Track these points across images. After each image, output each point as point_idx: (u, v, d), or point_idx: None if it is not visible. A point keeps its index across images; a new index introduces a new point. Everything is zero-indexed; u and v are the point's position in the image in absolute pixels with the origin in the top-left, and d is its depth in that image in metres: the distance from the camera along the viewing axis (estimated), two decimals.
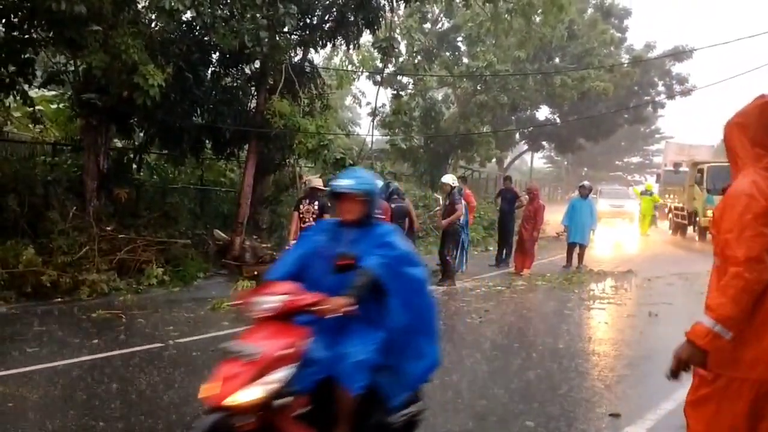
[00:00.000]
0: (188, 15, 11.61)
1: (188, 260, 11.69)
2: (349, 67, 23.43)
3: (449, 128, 26.85)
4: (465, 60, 28.15)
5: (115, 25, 10.00)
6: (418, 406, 3.96)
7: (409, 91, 26.29)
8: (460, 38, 28.76)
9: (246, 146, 13.76)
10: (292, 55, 13.54)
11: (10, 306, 8.89)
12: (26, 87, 11.55)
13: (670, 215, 28.54)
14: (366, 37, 16.19)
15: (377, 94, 29.41)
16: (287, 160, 14.91)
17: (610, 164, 70.48)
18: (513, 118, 34.71)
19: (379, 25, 13.99)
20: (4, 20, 10.33)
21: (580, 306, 10.45)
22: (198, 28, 11.89)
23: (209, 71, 13.44)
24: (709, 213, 17.94)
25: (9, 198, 10.48)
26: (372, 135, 19.48)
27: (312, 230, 4.21)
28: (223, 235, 12.85)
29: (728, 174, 3.14)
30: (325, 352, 3.51)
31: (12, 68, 10.76)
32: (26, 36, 10.62)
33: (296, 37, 13.36)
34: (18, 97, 11.31)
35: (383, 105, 25.00)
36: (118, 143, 14.09)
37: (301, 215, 9.77)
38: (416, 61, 22.18)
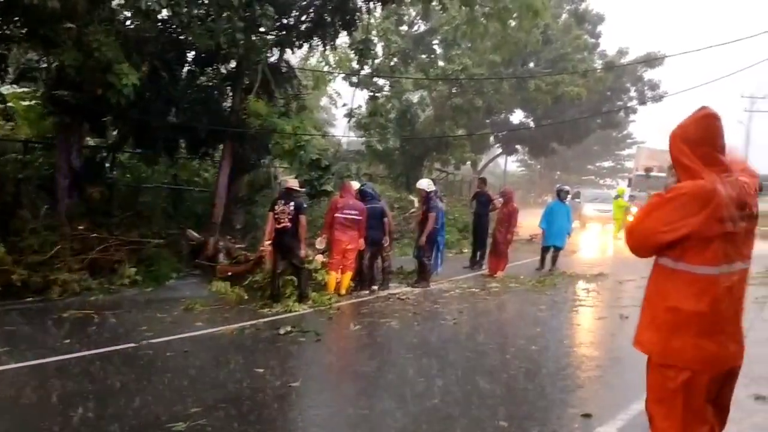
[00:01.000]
0: (164, 14, 11.51)
1: (161, 260, 11.59)
2: (326, 68, 23.42)
3: (425, 131, 26.95)
4: (441, 63, 28.23)
5: (90, 22, 9.90)
6: None
7: (385, 93, 26.33)
8: (436, 41, 28.86)
9: (221, 146, 13.69)
10: (269, 55, 13.50)
11: None
12: None
13: None
14: (342, 39, 16.22)
15: (353, 96, 29.40)
16: (262, 161, 14.86)
17: (582, 168, 71.18)
18: (488, 121, 34.91)
19: (356, 26, 14.01)
20: None
21: (552, 308, 10.55)
22: (174, 27, 11.81)
23: (185, 70, 13.35)
24: None
25: None
26: (348, 136, 19.48)
27: None
28: (196, 235, 12.74)
29: None
30: None
31: None
32: None
33: (273, 37, 13.32)
34: None
35: (359, 106, 25.05)
36: (91, 141, 13.94)
37: (276, 216, 9.73)
38: (392, 63, 22.27)
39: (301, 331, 8.01)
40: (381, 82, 27.01)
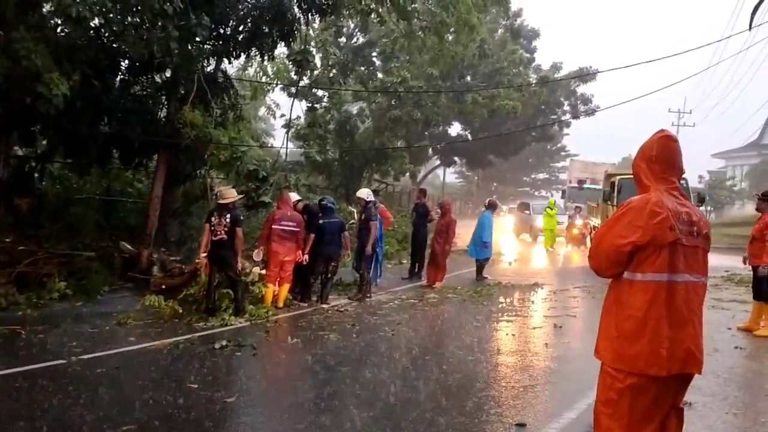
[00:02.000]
0: (96, 22, 11.24)
1: (93, 273, 11.24)
2: (264, 79, 23.26)
3: (364, 142, 27.05)
4: (380, 75, 28.46)
5: (18, 29, 9.59)
6: None
7: (324, 104, 26.35)
8: (375, 53, 29.10)
9: (155, 156, 13.43)
10: (205, 64, 13.33)
11: None
12: None
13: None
14: (281, 49, 16.17)
15: (292, 107, 29.14)
16: (198, 171, 14.64)
17: (518, 180, 72.75)
18: (426, 133, 35.33)
19: (294, 37, 13.96)
20: None
21: (489, 318, 10.70)
22: (107, 35, 11.54)
23: (118, 79, 13.05)
24: None
25: None
26: (286, 147, 19.35)
27: None
28: (129, 247, 12.41)
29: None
30: None
31: None
32: None
33: (209, 47, 13.15)
34: None
35: (298, 117, 25.00)
36: (20, 151, 13.47)
37: (212, 228, 9.58)
38: (331, 74, 22.31)
39: (238, 345, 7.91)
40: (320, 93, 27.02)
